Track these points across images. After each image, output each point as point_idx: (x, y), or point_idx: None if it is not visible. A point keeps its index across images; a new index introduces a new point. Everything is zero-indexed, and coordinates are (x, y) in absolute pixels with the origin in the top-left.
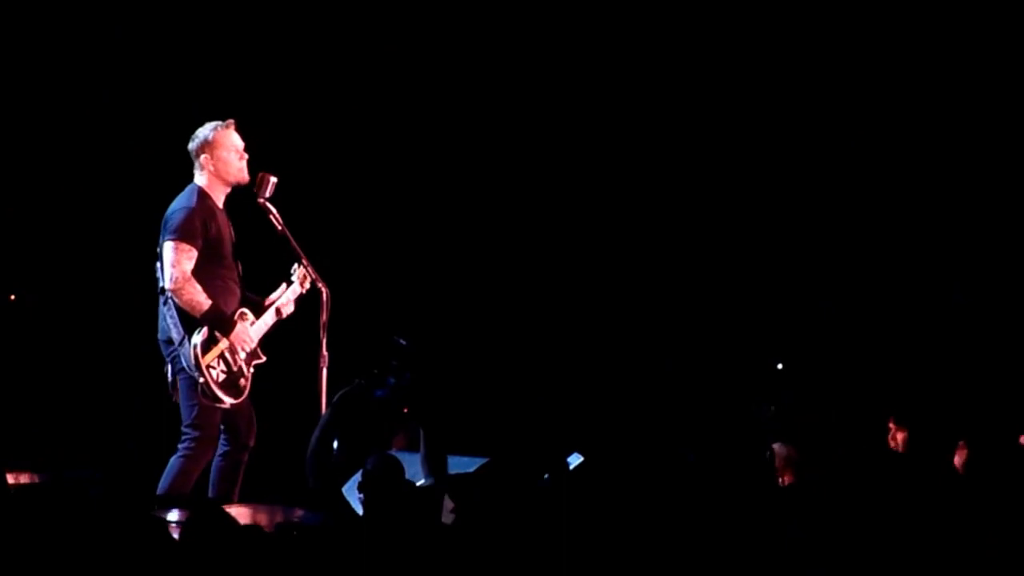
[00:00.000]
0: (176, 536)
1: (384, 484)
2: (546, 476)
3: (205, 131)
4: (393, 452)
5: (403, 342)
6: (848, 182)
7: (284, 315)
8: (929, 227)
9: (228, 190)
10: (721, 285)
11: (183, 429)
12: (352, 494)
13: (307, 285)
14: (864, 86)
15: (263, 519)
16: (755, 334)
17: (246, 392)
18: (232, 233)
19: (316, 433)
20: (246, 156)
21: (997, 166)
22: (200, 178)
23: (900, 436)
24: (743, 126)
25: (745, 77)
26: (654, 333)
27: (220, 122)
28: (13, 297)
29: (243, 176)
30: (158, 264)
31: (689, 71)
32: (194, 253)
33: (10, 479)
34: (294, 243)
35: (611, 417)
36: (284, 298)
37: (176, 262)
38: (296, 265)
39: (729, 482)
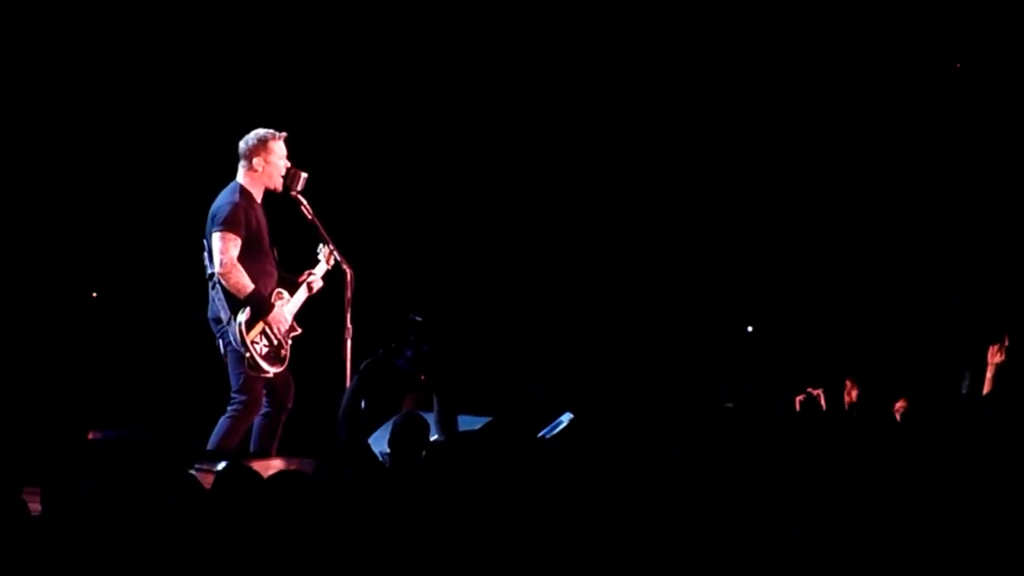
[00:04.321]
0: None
1: (409, 438)
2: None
3: (263, 135)
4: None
5: (419, 319)
6: (845, 183)
7: (315, 290)
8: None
9: (263, 190)
10: (712, 272)
11: (231, 394)
12: (376, 445)
13: (331, 261)
14: (863, 87)
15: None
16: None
17: (286, 361)
18: (267, 223)
19: (346, 397)
20: (288, 166)
21: (994, 167)
22: (243, 176)
23: (854, 393)
24: (744, 127)
25: (745, 77)
26: (646, 322)
27: (275, 131)
28: (95, 295)
29: (280, 184)
30: (205, 254)
31: (690, 70)
32: (239, 241)
33: (90, 436)
34: (322, 230)
35: (604, 388)
36: (314, 275)
37: (224, 250)
38: (321, 245)
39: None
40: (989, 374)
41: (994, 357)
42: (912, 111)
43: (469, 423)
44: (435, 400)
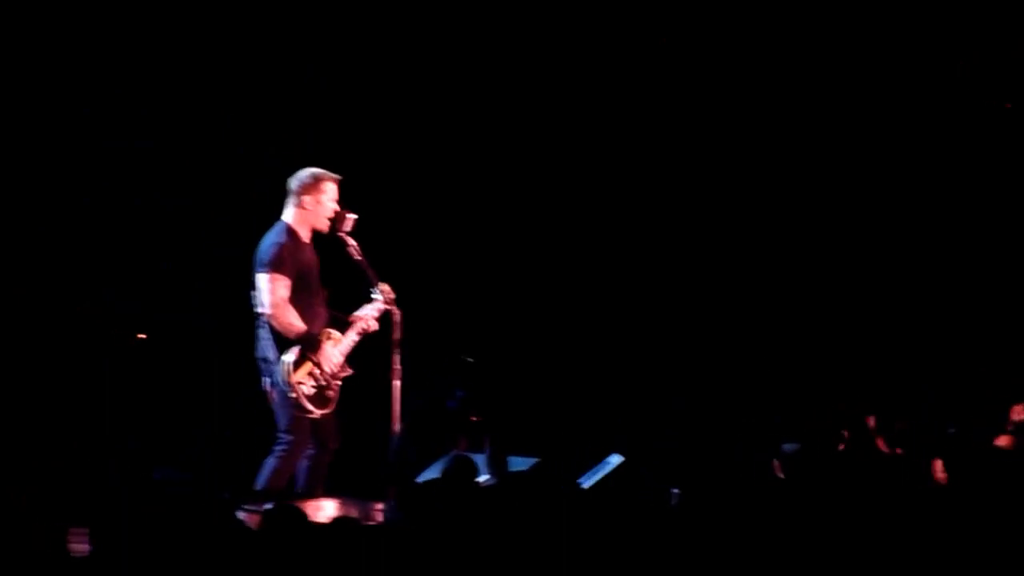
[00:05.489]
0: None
1: (459, 481)
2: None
3: (316, 174)
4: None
5: (471, 360)
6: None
7: (370, 330)
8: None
9: (311, 229)
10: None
11: (278, 435)
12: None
13: (387, 301)
14: (859, 91)
15: (345, 511)
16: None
17: (334, 403)
18: (317, 262)
19: (398, 438)
20: (337, 209)
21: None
22: (290, 215)
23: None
24: (752, 140)
25: (743, 83)
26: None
27: (328, 172)
28: (143, 336)
29: (327, 226)
30: (254, 293)
31: (694, 78)
32: (286, 281)
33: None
34: (370, 271)
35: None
36: (366, 314)
37: (272, 291)
38: (376, 285)
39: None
40: (1010, 430)
41: (1020, 415)
42: (934, 148)
43: (518, 464)
44: (486, 441)
